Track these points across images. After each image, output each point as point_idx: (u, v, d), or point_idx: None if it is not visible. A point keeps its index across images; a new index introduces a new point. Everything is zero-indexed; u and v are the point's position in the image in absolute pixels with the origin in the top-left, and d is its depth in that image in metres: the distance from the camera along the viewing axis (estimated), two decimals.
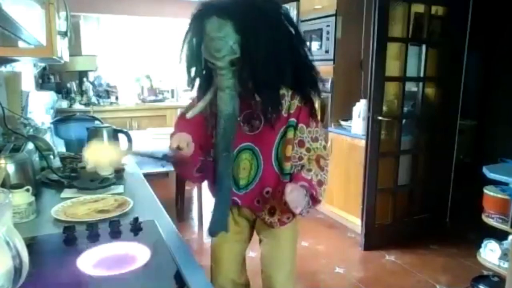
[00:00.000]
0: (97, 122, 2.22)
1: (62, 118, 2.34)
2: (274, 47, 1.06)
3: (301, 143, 1.21)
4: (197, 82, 1.17)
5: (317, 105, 1.20)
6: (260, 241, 1.42)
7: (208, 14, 1.03)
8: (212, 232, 1.23)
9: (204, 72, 1.14)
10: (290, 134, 1.20)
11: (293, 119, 1.20)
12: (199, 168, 1.24)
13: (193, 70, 1.14)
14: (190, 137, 1.12)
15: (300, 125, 1.20)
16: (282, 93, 1.18)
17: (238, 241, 1.41)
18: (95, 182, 1.47)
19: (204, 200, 3.32)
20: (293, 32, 1.14)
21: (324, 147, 1.24)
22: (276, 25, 1.08)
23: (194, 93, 1.22)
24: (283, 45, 1.09)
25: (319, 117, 1.24)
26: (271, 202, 1.27)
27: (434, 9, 2.94)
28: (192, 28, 1.08)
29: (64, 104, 4.43)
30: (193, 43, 1.09)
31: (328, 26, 3.33)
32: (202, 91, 1.16)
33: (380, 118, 2.74)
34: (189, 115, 1.13)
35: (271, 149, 1.22)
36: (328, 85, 3.33)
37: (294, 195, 1.06)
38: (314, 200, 1.15)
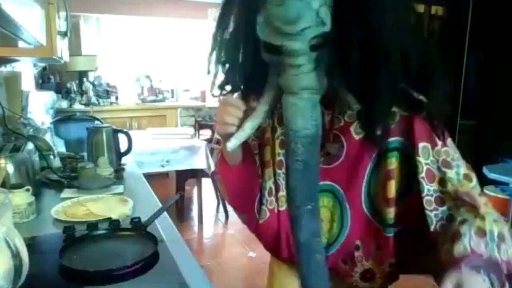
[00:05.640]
0: (97, 122, 2.22)
1: (62, 118, 2.34)
2: (402, 20, 0.65)
3: (429, 174, 0.74)
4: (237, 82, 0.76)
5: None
6: None
7: None
8: None
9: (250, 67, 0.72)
10: (392, 163, 0.76)
11: (396, 138, 0.75)
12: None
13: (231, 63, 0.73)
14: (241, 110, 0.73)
15: (421, 145, 0.74)
16: None
17: None
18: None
19: (204, 200, 3.31)
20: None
21: (467, 178, 0.76)
22: None
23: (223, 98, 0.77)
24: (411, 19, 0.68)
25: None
26: (364, 263, 0.84)
27: (434, 9, 2.95)
28: None
29: (64, 104, 4.43)
30: (240, 18, 0.68)
31: None
32: (250, 98, 0.76)
33: None
34: (230, 144, 0.72)
35: (360, 187, 0.79)
36: None
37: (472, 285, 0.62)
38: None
